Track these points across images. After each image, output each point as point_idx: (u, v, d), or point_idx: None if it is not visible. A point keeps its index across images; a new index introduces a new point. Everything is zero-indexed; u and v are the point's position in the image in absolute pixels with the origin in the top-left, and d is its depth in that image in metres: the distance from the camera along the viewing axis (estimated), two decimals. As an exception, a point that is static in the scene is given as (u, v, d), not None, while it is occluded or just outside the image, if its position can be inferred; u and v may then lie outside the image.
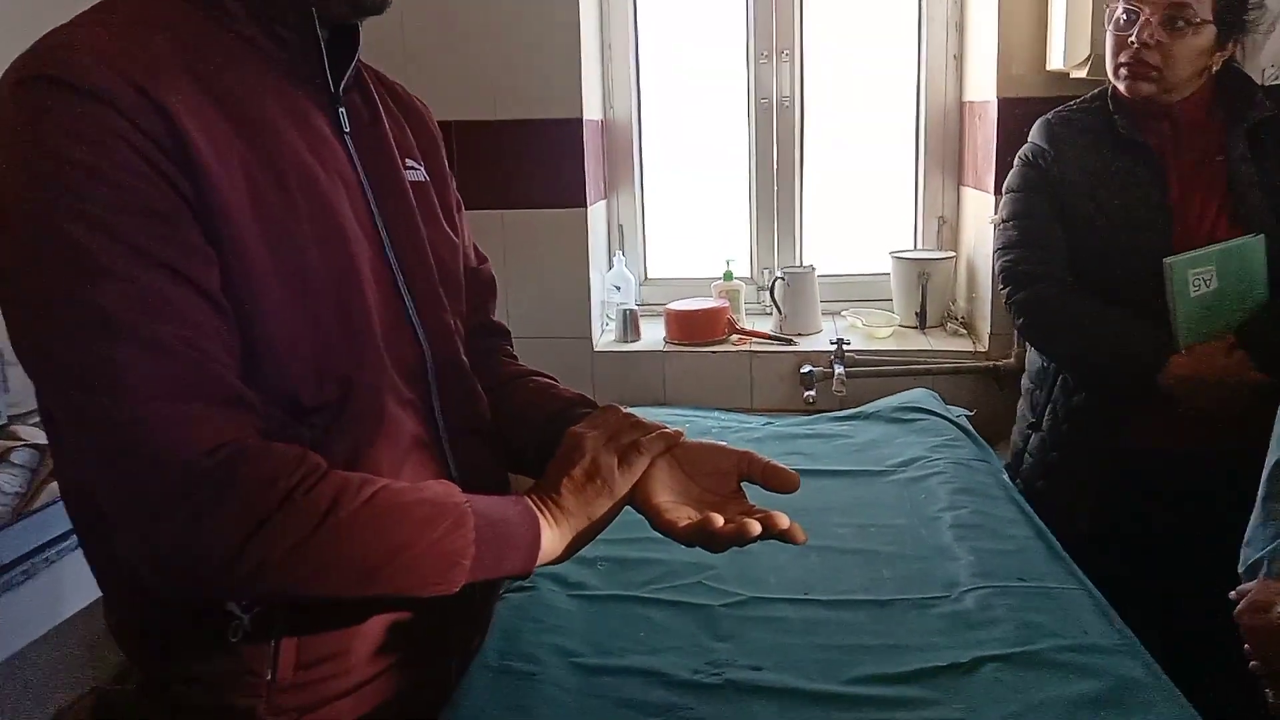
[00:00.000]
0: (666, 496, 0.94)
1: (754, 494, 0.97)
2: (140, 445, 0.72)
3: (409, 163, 1.02)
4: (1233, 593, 1.26)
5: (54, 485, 1.51)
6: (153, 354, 0.72)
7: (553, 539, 0.90)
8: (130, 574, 0.82)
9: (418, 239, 0.99)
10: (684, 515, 0.91)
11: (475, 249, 1.18)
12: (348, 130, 0.94)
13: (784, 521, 0.88)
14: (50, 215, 0.72)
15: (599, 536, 0.94)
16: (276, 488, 0.75)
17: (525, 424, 1.08)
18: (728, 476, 0.96)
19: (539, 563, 0.88)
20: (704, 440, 1.00)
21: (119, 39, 0.78)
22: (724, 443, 1.00)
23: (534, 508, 0.90)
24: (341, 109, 0.94)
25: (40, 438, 1.58)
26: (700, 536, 0.88)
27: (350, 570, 0.78)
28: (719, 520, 0.87)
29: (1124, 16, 1.62)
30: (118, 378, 0.71)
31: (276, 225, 0.82)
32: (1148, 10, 1.58)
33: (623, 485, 0.92)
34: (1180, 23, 1.57)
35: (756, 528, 0.86)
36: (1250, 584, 1.24)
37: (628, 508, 0.95)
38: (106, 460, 0.73)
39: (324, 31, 0.90)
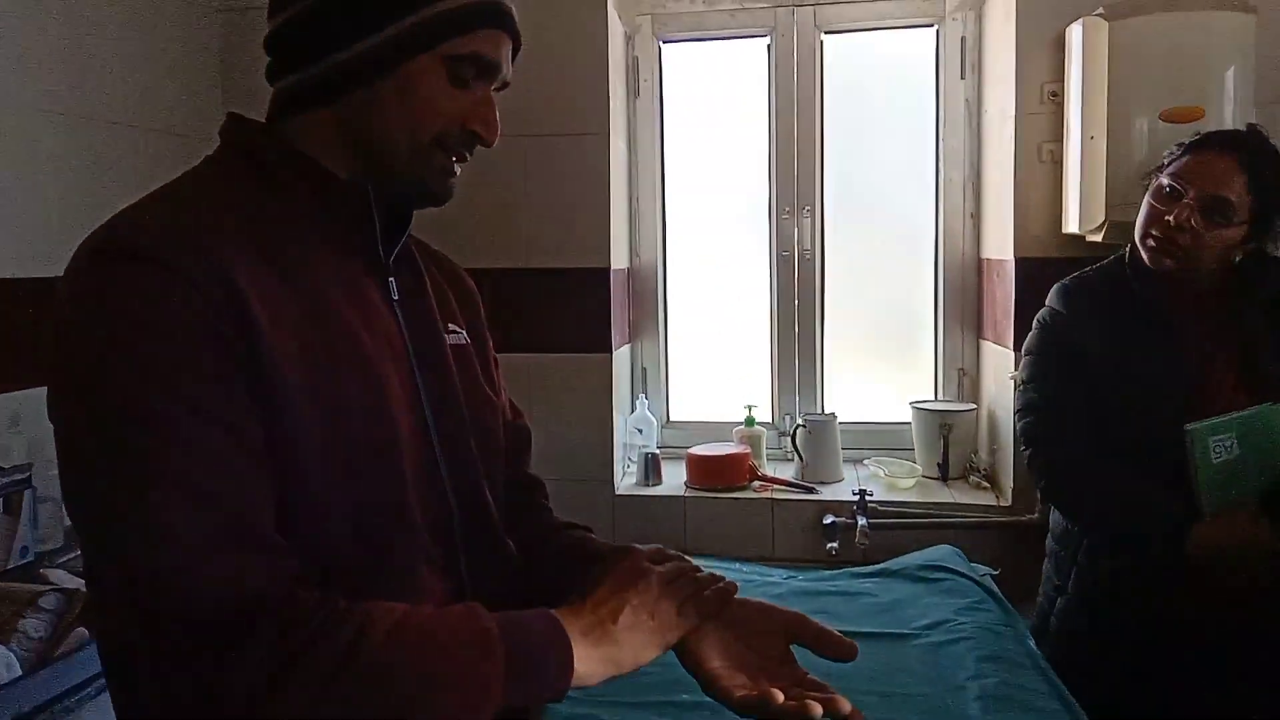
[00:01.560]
0: (718, 661, 0.93)
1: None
2: (172, 593, 0.73)
3: (451, 327, 1.07)
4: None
5: (80, 632, 1.51)
6: (200, 506, 0.75)
7: (590, 662, 0.86)
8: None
9: (456, 403, 1.02)
10: (739, 684, 0.90)
11: (511, 404, 1.22)
12: (396, 299, 0.99)
13: (846, 707, 0.87)
14: (110, 369, 0.76)
15: (621, 698, 0.93)
16: (299, 633, 0.76)
17: (565, 577, 1.05)
18: (778, 638, 0.96)
19: (574, 685, 0.85)
20: (752, 599, 0.99)
21: (185, 213, 0.84)
22: (774, 603, 0.99)
23: (566, 624, 0.87)
24: (392, 279, 0.99)
25: (70, 582, 1.60)
26: (758, 709, 0.87)
27: (375, 711, 0.77)
28: (779, 697, 0.86)
29: (1168, 190, 1.66)
30: (164, 528, 0.73)
31: (324, 390, 0.85)
32: (1192, 193, 1.62)
33: (674, 637, 0.91)
34: (1219, 216, 1.61)
35: (818, 710, 0.85)
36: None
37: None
38: (138, 606, 0.75)
39: (379, 208, 0.96)
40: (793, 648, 0.97)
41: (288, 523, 0.82)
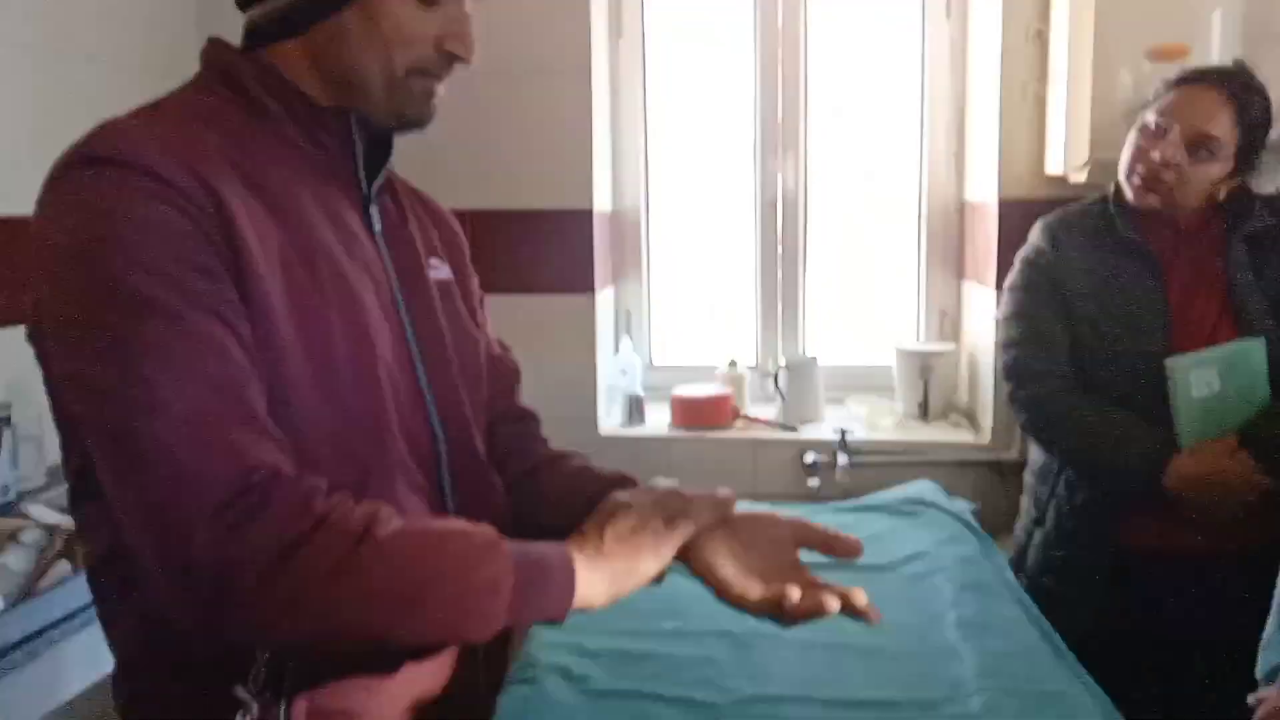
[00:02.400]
0: (731, 569, 0.94)
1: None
2: (179, 463, 0.73)
3: (433, 261, 1.06)
4: (1251, 697, 1.26)
5: (62, 565, 1.51)
6: (196, 382, 0.75)
7: (590, 583, 0.87)
8: (146, 641, 0.85)
9: (439, 333, 1.02)
10: (753, 588, 0.92)
11: (499, 341, 1.21)
12: (378, 229, 0.98)
13: (862, 599, 0.89)
14: (103, 262, 0.75)
15: (604, 627, 0.94)
16: (311, 511, 0.76)
17: (566, 503, 1.06)
18: (785, 545, 0.97)
19: (577, 605, 0.86)
20: (756, 510, 1.01)
21: (169, 129, 0.84)
22: (775, 511, 1.01)
23: (570, 549, 0.88)
24: (373, 208, 0.98)
25: (49, 517, 1.59)
26: (774, 610, 0.88)
27: (385, 599, 0.77)
28: (795, 594, 0.87)
29: (1153, 127, 1.65)
30: (160, 400, 0.74)
31: (306, 309, 0.85)
32: (1177, 130, 1.62)
33: (668, 550, 0.91)
34: (1204, 152, 1.61)
35: (835, 604, 0.87)
36: (1269, 690, 1.24)
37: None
38: (144, 480, 0.74)
39: (361, 136, 0.95)
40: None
41: None
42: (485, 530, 0.85)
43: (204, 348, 0.76)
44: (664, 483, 1.01)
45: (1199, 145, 1.61)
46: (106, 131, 0.82)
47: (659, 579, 0.93)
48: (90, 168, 0.79)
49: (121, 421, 0.74)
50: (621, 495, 0.97)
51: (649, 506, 0.93)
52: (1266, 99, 1.65)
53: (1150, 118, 1.66)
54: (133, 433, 0.74)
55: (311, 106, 0.93)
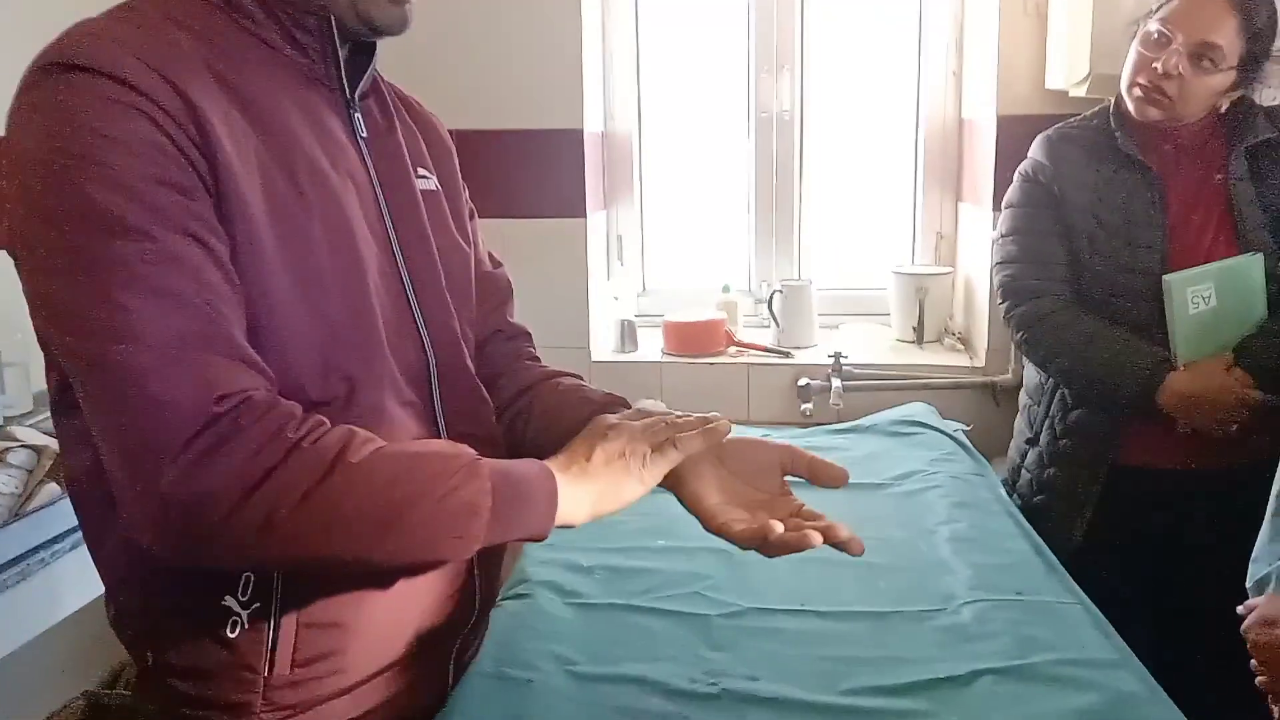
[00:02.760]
0: (716, 498, 0.94)
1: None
2: (150, 391, 0.71)
3: (421, 171, 1.03)
4: (1240, 607, 1.27)
5: (50, 487, 1.51)
6: (167, 305, 0.73)
7: (573, 499, 0.87)
8: (133, 556, 0.83)
9: (426, 244, 0.99)
10: (737, 518, 0.92)
11: (490, 255, 1.19)
12: (363, 135, 0.95)
13: (844, 532, 0.88)
14: (73, 180, 0.73)
15: (596, 544, 0.93)
16: (284, 437, 0.75)
17: (558, 423, 1.04)
18: (772, 472, 0.97)
19: (558, 522, 0.86)
20: (744, 436, 1.00)
21: (142, 31, 0.80)
22: (763, 437, 0.99)
23: (551, 466, 0.88)
24: (357, 114, 0.95)
25: (36, 439, 1.58)
26: (757, 542, 0.88)
27: (361, 523, 0.76)
28: (778, 528, 0.87)
29: (1155, 37, 1.61)
30: (131, 326, 0.72)
31: (288, 220, 0.83)
32: (1180, 39, 1.57)
33: (652, 476, 0.90)
34: (1206, 62, 1.57)
35: (818, 539, 0.86)
36: (1259, 599, 1.24)
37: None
38: (115, 408, 0.73)
39: (343, 41, 0.91)
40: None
41: (257, 353, 0.80)
42: (464, 451, 0.84)
43: (175, 269, 0.74)
44: (650, 404, 1.00)
45: (1202, 55, 1.57)
46: (79, 34, 0.78)
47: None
48: (60, 74, 0.75)
49: (92, 347, 0.73)
50: (611, 418, 0.95)
51: (638, 431, 0.91)
52: (1271, 7, 1.60)
53: (1152, 26, 1.61)
54: (103, 358, 0.72)
55: (292, 7, 0.89)
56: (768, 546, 0.87)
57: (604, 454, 0.89)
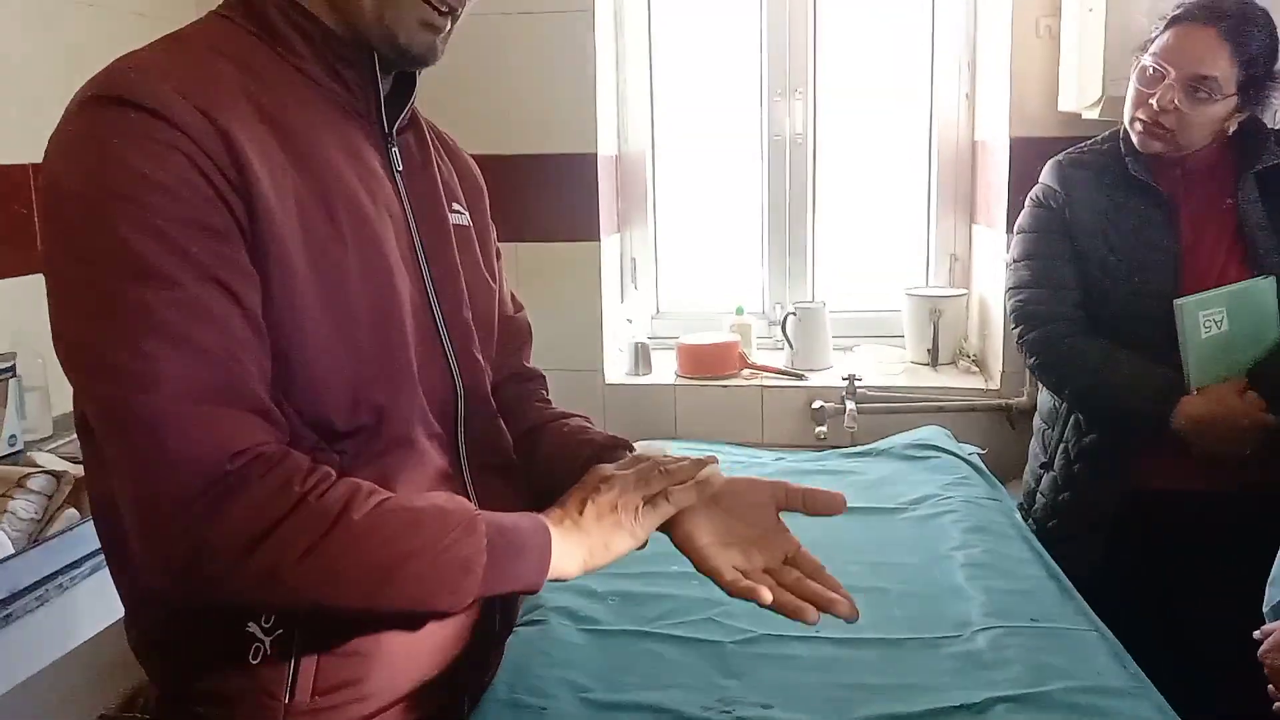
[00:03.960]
0: (708, 539, 0.94)
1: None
2: (164, 443, 0.73)
3: (454, 206, 1.05)
4: (1257, 632, 1.26)
5: (70, 512, 1.52)
6: (189, 356, 0.74)
7: (565, 554, 0.88)
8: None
9: (456, 278, 1.01)
10: (728, 562, 0.93)
11: (512, 297, 1.20)
12: (400, 169, 0.97)
13: (843, 607, 0.91)
14: (107, 218, 0.74)
15: (611, 569, 0.94)
16: (290, 492, 0.76)
17: (560, 465, 1.07)
18: (766, 509, 0.98)
19: (551, 575, 0.87)
20: (737, 476, 1.00)
21: (185, 65, 0.81)
22: (756, 476, 1.01)
23: (545, 520, 0.89)
24: (394, 148, 0.96)
25: (56, 464, 1.60)
26: (747, 599, 0.90)
27: (361, 577, 0.78)
28: (768, 597, 0.89)
29: (1150, 72, 1.61)
30: (152, 375, 0.73)
31: (323, 252, 0.84)
32: (1173, 73, 1.58)
33: (645, 528, 0.92)
34: (1202, 93, 1.57)
35: (813, 615, 0.89)
36: (1275, 624, 1.24)
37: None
38: (130, 456, 0.74)
39: (383, 75, 0.93)
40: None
41: (285, 386, 0.82)
42: (462, 506, 0.85)
43: (201, 319, 0.75)
44: (654, 446, 1.00)
45: (1197, 87, 1.57)
46: (123, 68, 0.79)
47: (641, 547, 0.94)
48: (104, 107, 0.77)
49: (111, 391, 0.74)
50: (606, 468, 0.97)
51: (631, 484, 0.93)
52: (1268, 29, 1.59)
53: (1146, 61, 1.62)
54: (122, 405, 0.73)
55: (333, 39, 0.90)
56: (762, 605, 0.90)
57: (596, 508, 0.91)
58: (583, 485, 0.94)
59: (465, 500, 0.87)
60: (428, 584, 0.80)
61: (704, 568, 0.93)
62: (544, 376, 1.23)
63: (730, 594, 0.91)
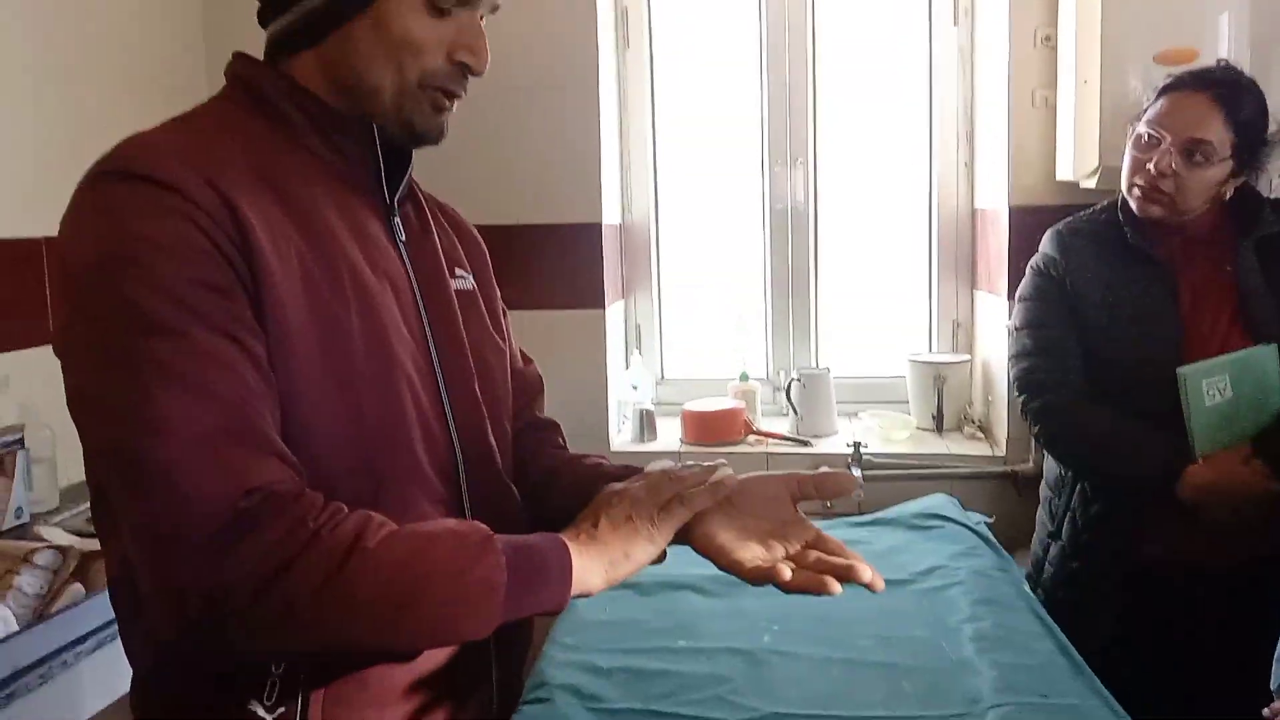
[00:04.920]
0: (728, 535, 0.93)
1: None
2: (177, 485, 0.73)
3: (457, 272, 1.07)
4: (1266, 710, 1.24)
5: (75, 588, 1.51)
6: (200, 400, 0.75)
7: (586, 567, 0.87)
8: (161, 659, 0.85)
9: (460, 343, 1.02)
10: (749, 554, 0.91)
11: (521, 353, 1.22)
12: (403, 238, 0.99)
13: (865, 574, 0.88)
14: (115, 281, 0.76)
15: (617, 645, 0.93)
16: (304, 528, 0.76)
17: (578, 497, 1.03)
18: (782, 501, 0.97)
19: (575, 591, 0.86)
20: (746, 475, 1.00)
21: (191, 141, 0.85)
22: (767, 473, 1.00)
23: (562, 537, 0.88)
24: (396, 218, 0.99)
25: (62, 539, 1.60)
26: (767, 582, 0.88)
27: (379, 607, 0.77)
28: (787, 574, 0.87)
29: (1145, 138, 1.65)
30: (163, 419, 0.74)
31: (326, 317, 0.86)
32: (1169, 139, 1.61)
33: (663, 533, 0.90)
34: (1198, 156, 1.60)
35: (836, 588, 0.86)
36: (1283, 702, 1.22)
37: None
38: (143, 502, 0.74)
39: (383, 144, 0.96)
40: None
41: (288, 450, 0.82)
42: (477, 528, 0.84)
43: (211, 366, 0.76)
44: (659, 466, 1.00)
45: (1192, 151, 1.60)
46: (131, 145, 0.83)
47: (659, 560, 0.92)
48: (111, 181, 0.80)
49: (125, 440, 0.75)
50: (616, 485, 0.96)
51: (643, 493, 0.92)
52: (1257, 95, 1.63)
53: (1141, 129, 1.66)
54: (135, 452, 0.74)
55: (334, 115, 0.93)
56: (783, 586, 0.87)
57: (610, 520, 0.90)
58: (595, 503, 0.93)
59: (478, 523, 0.86)
60: (450, 609, 0.80)
61: (723, 562, 0.92)
62: (558, 425, 1.24)
63: (750, 581, 0.89)
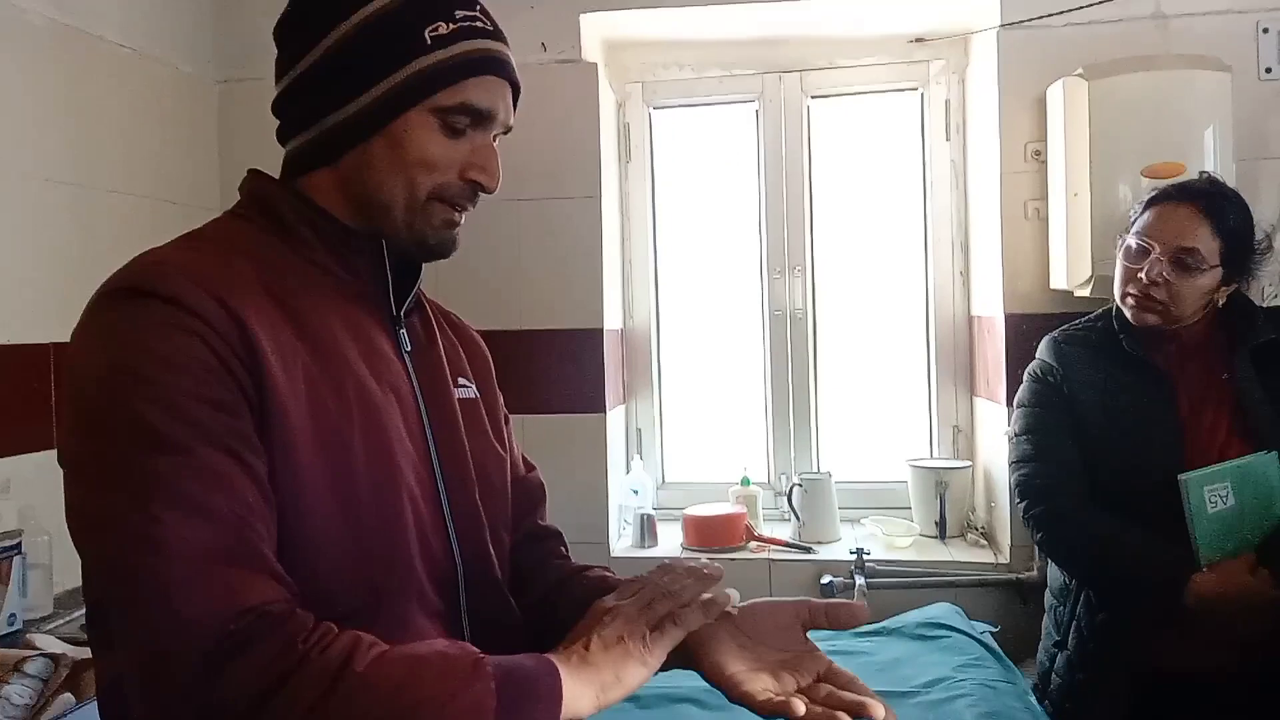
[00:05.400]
0: (739, 666, 0.92)
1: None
2: (171, 603, 0.73)
3: (461, 381, 1.08)
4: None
5: (65, 697, 1.49)
6: (199, 520, 0.75)
7: (577, 692, 0.84)
8: None
9: (462, 454, 1.02)
10: (761, 686, 0.89)
11: (524, 459, 1.22)
12: (408, 350, 1.00)
13: (880, 713, 0.86)
14: (121, 395, 0.77)
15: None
16: (294, 649, 0.75)
17: (581, 611, 1.01)
18: (792, 630, 0.95)
19: (565, 716, 0.83)
20: (756, 600, 0.98)
21: (201, 258, 0.87)
22: (778, 599, 0.99)
23: (553, 659, 0.86)
24: (402, 330, 1.01)
25: (55, 646, 1.57)
26: (780, 715, 0.86)
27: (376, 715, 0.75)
28: (801, 709, 0.85)
29: (1134, 248, 1.69)
30: (162, 538, 0.74)
31: (330, 432, 0.86)
32: (1158, 249, 1.65)
33: (655, 655, 0.87)
34: (1190, 264, 1.64)
35: None
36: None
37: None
38: (136, 618, 0.74)
39: (392, 259, 0.98)
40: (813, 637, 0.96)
41: (284, 564, 0.82)
42: (467, 650, 0.83)
43: (211, 484, 0.77)
44: (659, 567, 0.98)
45: (1182, 260, 1.64)
46: (142, 263, 0.85)
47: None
48: (122, 299, 0.81)
49: (121, 554, 0.75)
50: (608, 600, 0.93)
51: (635, 612, 0.89)
52: (1241, 204, 1.68)
53: (1131, 240, 1.70)
54: (134, 569, 0.74)
55: (344, 230, 0.96)
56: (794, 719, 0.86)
57: (601, 641, 0.87)
58: (586, 621, 0.91)
59: (468, 644, 0.84)
60: (457, 687, 0.78)
61: (735, 695, 0.90)
62: (561, 534, 1.22)
63: (762, 715, 0.87)
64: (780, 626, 0.95)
